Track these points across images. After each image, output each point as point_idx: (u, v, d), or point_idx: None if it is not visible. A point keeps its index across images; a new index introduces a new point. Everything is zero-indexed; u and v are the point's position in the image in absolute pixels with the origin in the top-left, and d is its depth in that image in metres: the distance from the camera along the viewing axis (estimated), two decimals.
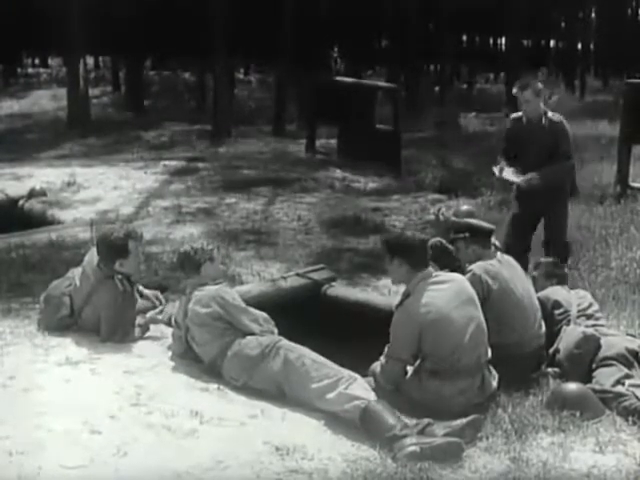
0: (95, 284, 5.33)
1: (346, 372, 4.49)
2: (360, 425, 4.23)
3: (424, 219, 9.53)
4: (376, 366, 4.73)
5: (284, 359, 4.62)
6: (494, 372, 4.72)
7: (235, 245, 8.02)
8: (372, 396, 4.34)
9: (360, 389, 4.37)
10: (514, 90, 6.69)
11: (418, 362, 4.62)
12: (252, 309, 5.04)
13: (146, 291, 5.81)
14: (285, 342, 4.77)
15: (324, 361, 4.58)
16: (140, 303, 5.62)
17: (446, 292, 4.63)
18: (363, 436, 4.19)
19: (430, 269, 4.74)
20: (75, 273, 5.55)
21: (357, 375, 4.50)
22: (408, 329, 4.55)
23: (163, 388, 4.60)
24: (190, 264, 5.13)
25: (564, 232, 6.79)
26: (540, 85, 6.67)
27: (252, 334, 4.84)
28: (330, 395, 4.38)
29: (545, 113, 6.64)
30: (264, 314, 5.03)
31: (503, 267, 5.15)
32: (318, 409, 4.41)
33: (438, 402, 4.50)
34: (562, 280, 5.86)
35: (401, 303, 4.66)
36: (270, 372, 4.63)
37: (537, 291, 5.71)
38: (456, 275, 4.86)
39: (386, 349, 4.66)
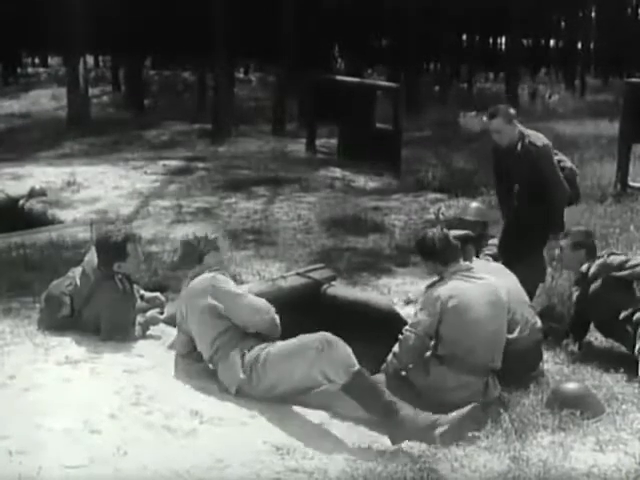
0: (95, 284, 5.33)
1: (315, 341, 4.38)
2: (349, 391, 4.26)
3: (424, 218, 9.54)
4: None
5: (264, 376, 4.47)
6: (497, 383, 4.77)
7: (235, 244, 8.01)
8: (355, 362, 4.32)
9: (341, 351, 4.33)
10: (484, 118, 6.15)
11: (429, 352, 4.72)
12: (251, 295, 4.88)
13: (147, 294, 5.80)
14: (262, 356, 4.54)
15: (290, 349, 4.46)
16: (140, 303, 5.62)
17: (476, 287, 4.76)
18: (363, 434, 4.20)
19: (466, 263, 4.94)
20: (75, 273, 5.54)
21: (329, 336, 4.41)
22: (430, 306, 4.72)
23: (163, 388, 4.59)
24: (194, 255, 4.99)
25: None
26: (512, 111, 6.01)
27: (247, 331, 4.72)
28: (314, 371, 4.31)
29: (522, 138, 5.98)
30: (264, 300, 4.87)
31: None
32: (313, 391, 4.40)
33: (441, 392, 4.58)
34: (591, 251, 5.63)
35: (432, 284, 4.86)
36: (258, 391, 4.50)
37: (565, 263, 5.73)
38: (493, 279, 4.93)
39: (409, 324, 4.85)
